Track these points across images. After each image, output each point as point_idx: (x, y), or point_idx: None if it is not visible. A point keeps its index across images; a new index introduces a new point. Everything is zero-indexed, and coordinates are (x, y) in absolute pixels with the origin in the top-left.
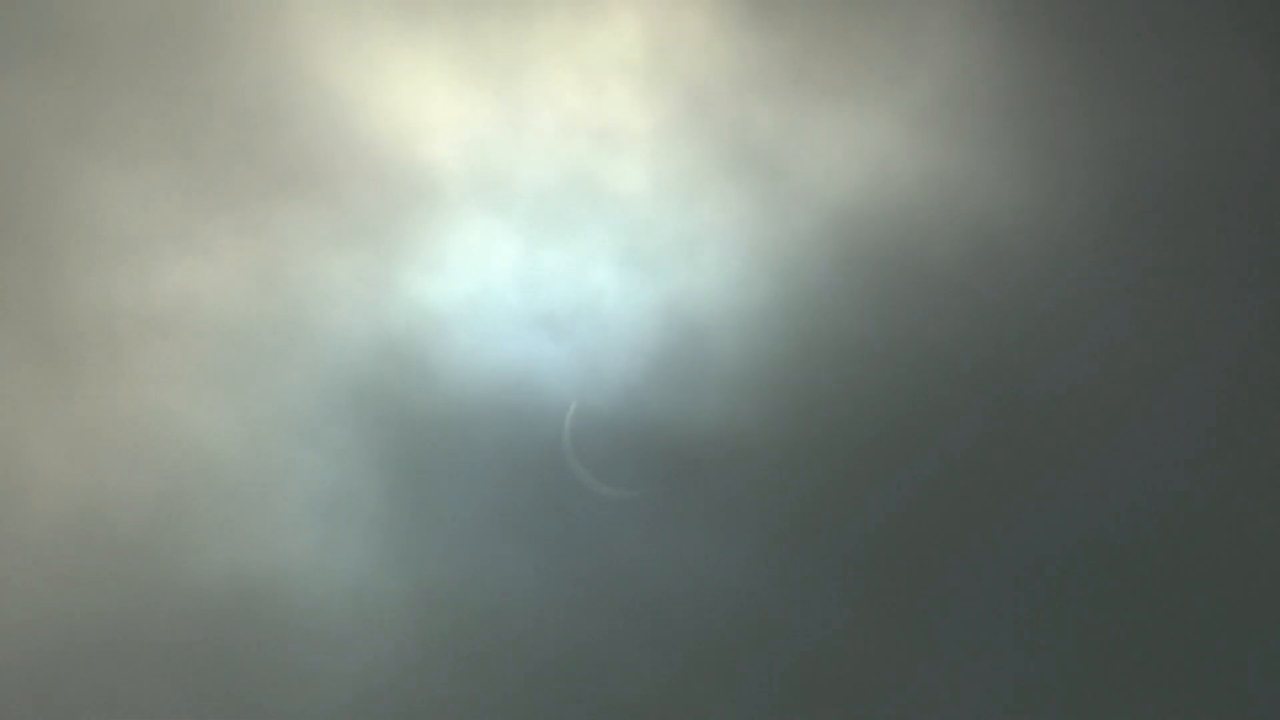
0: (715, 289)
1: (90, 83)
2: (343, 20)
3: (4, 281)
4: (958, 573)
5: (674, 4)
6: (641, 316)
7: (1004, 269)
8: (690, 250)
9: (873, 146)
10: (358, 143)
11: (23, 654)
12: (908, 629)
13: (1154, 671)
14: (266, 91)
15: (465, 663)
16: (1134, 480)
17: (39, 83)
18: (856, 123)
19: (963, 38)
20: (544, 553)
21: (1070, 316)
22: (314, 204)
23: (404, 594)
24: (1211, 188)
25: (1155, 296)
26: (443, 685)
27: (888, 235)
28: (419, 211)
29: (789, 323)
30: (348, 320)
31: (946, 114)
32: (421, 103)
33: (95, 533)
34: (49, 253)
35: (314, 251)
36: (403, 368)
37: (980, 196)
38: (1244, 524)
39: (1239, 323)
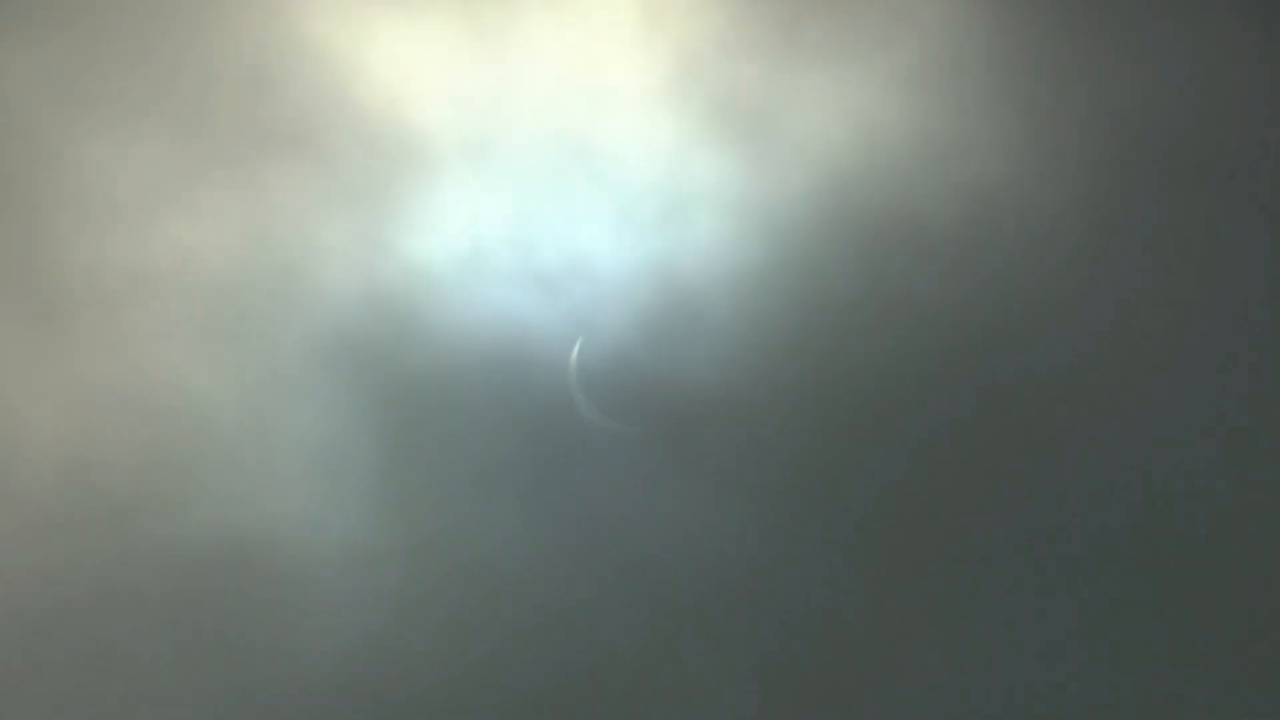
0: (707, 248)
1: (82, 44)
2: None
3: None
4: (951, 532)
5: None
6: (633, 275)
7: (996, 228)
8: (682, 210)
9: (863, 108)
10: (350, 103)
11: (14, 609)
12: (899, 587)
13: (1151, 632)
14: (259, 53)
15: (457, 617)
16: (1131, 437)
17: (31, 45)
18: (847, 84)
19: (950, 2)
20: (536, 508)
21: (1064, 275)
22: (306, 164)
23: (396, 548)
24: (1208, 152)
25: (1150, 257)
26: (435, 639)
27: (879, 195)
28: (411, 171)
29: (780, 281)
30: (341, 279)
31: (937, 76)
32: (412, 64)
33: (88, 489)
34: (41, 214)
35: (307, 212)
36: (395, 326)
37: (972, 157)
38: (1246, 490)
39: (1235, 287)
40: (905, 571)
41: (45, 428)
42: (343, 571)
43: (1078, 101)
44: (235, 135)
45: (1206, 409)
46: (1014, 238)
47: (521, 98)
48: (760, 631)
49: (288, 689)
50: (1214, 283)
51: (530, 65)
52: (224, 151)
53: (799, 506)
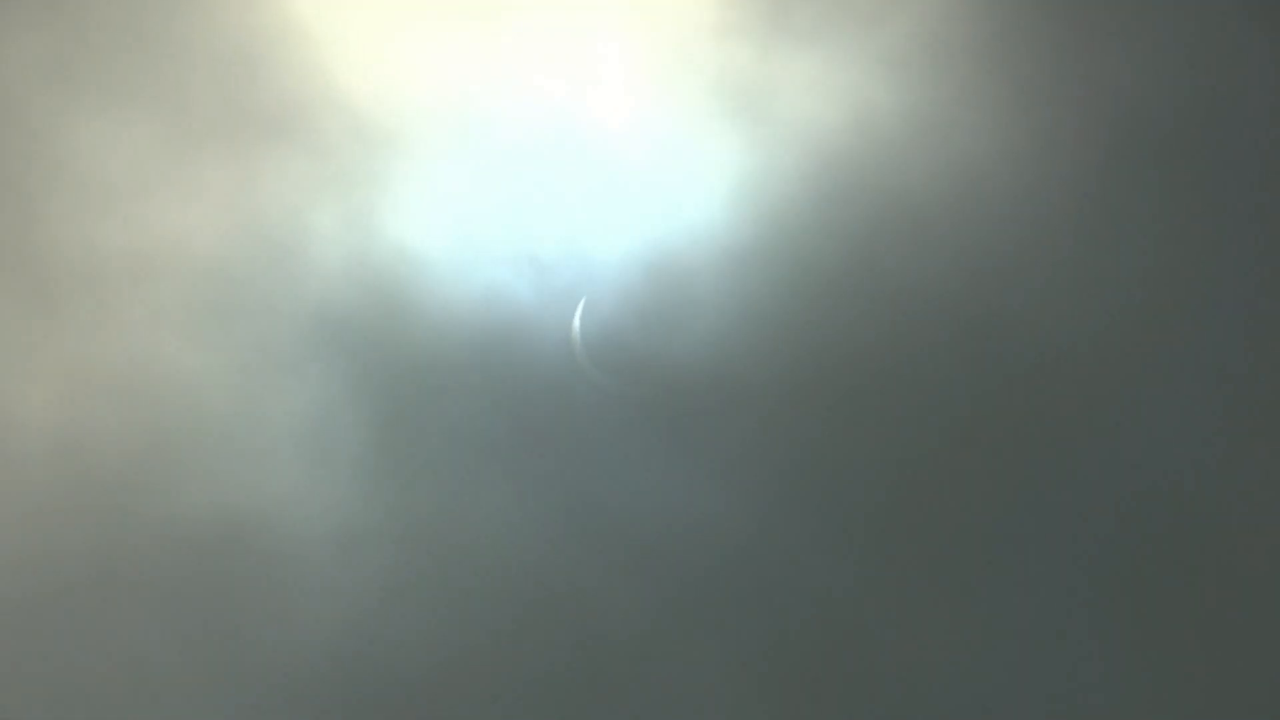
0: (700, 229)
1: (72, 29)
2: None
3: None
4: (949, 513)
5: None
6: (626, 257)
7: (989, 207)
8: (674, 191)
9: (854, 88)
10: (339, 87)
11: (6, 591)
12: (899, 569)
13: (1153, 620)
14: (247, 37)
15: (449, 599)
16: (1125, 416)
17: (21, 30)
18: (837, 65)
19: None
20: (529, 490)
21: (1057, 253)
22: (297, 148)
23: (389, 529)
24: (1203, 131)
25: (1144, 237)
26: (427, 620)
27: (871, 175)
28: (400, 155)
29: (774, 262)
30: (332, 262)
31: (928, 56)
32: (402, 47)
33: (80, 470)
34: (32, 198)
35: (298, 195)
36: (386, 308)
37: (964, 136)
38: (1239, 469)
39: (1231, 271)
40: (905, 553)
41: (36, 409)
42: (335, 552)
43: (1070, 80)
44: (225, 119)
45: (1204, 391)
46: (1007, 216)
47: (511, 80)
48: (760, 616)
49: (281, 669)
50: (1210, 265)
51: (519, 48)
52: (214, 135)
53: (796, 488)
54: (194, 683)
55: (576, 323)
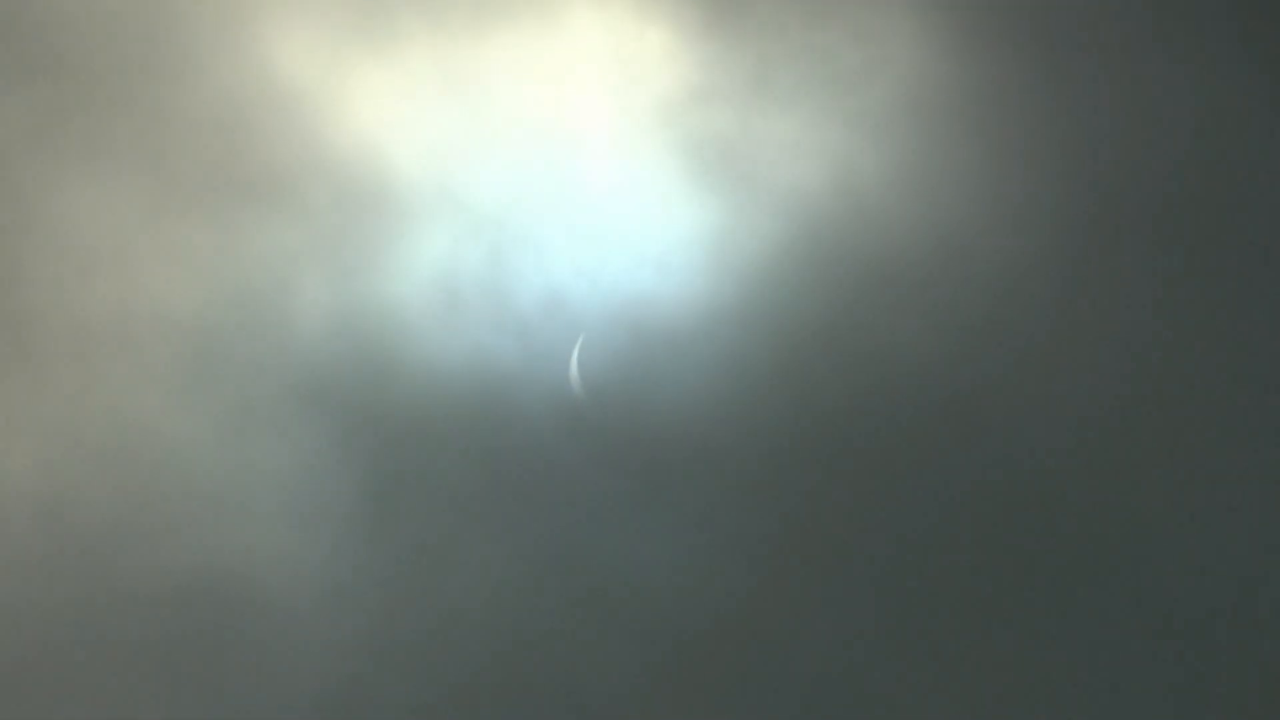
0: (683, 291)
1: (58, 93)
2: (309, 32)
3: None
4: (929, 568)
5: (637, 17)
6: (609, 318)
7: (971, 268)
8: (658, 253)
9: (834, 151)
10: (325, 152)
11: None
12: (880, 623)
13: (1141, 675)
14: (234, 101)
15: (435, 658)
16: (1105, 471)
17: (5, 94)
18: (817, 128)
19: (921, 44)
20: (514, 549)
21: (1038, 314)
22: (283, 212)
23: (373, 587)
24: (1181, 193)
25: (1123, 298)
26: (412, 680)
27: (853, 237)
28: (386, 219)
29: (756, 323)
30: (316, 324)
31: (908, 118)
32: (386, 112)
33: (62, 530)
34: (17, 261)
35: (282, 258)
36: (371, 370)
37: (945, 198)
38: (1218, 528)
39: (1206, 328)
40: (886, 612)
41: (19, 469)
42: (320, 612)
43: (1050, 141)
44: (209, 183)
45: (1181, 449)
46: (988, 279)
47: (496, 144)
48: (742, 669)
49: None
50: (1191, 327)
51: (504, 112)
52: (199, 199)
53: (777, 545)
54: None
55: (574, 363)
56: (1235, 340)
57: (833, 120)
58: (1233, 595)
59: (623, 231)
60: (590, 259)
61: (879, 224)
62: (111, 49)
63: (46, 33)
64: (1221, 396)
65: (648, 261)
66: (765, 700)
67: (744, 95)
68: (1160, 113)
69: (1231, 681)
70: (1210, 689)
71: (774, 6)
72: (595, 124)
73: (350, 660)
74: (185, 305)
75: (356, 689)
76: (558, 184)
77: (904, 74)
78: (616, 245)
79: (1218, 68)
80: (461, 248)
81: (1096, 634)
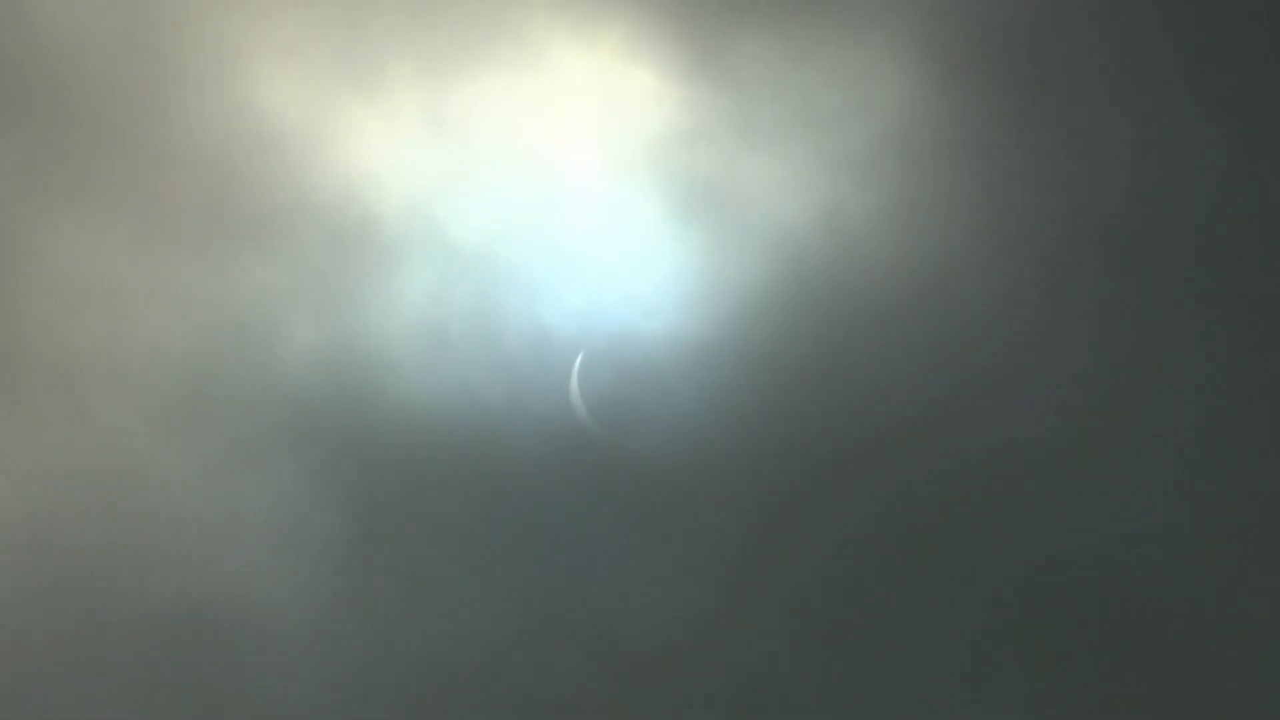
0: (669, 329)
1: (54, 135)
2: (297, 75)
3: None
4: (918, 603)
5: (622, 59)
6: (597, 354)
7: (953, 304)
8: (644, 291)
9: (818, 189)
10: (313, 192)
11: None
12: (870, 660)
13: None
14: (223, 142)
15: (419, 690)
16: (1087, 509)
17: (1, 136)
18: (801, 167)
19: (902, 84)
20: (499, 583)
21: (1021, 349)
22: (272, 252)
23: (360, 625)
24: (1160, 228)
25: (1109, 335)
26: (397, 715)
27: (838, 275)
28: (373, 258)
29: (742, 360)
30: (306, 363)
31: (889, 157)
32: (374, 153)
33: (52, 562)
34: (9, 299)
35: (271, 296)
36: (360, 408)
37: (926, 235)
38: (1198, 562)
39: (1189, 359)
40: (876, 644)
41: (10, 502)
42: (306, 643)
43: (1030, 179)
44: (201, 222)
45: (1160, 483)
46: (972, 312)
47: (482, 184)
48: (731, 707)
49: None
50: (1171, 355)
51: (491, 153)
52: (190, 238)
53: (765, 580)
54: None
55: (574, 382)
56: (1217, 369)
57: (816, 159)
58: (1213, 610)
59: (610, 270)
60: (577, 297)
61: (863, 261)
62: (103, 92)
63: (39, 76)
64: (1204, 423)
65: (635, 299)
66: None
67: (729, 135)
68: (1140, 148)
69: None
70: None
71: (757, 48)
72: (582, 164)
73: (336, 692)
74: (175, 342)
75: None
76: (545, 223)
77: (886, 113)
78: (603, 283)
79: (1198, 105)
80: (449, 286)
81: (1088, 658)
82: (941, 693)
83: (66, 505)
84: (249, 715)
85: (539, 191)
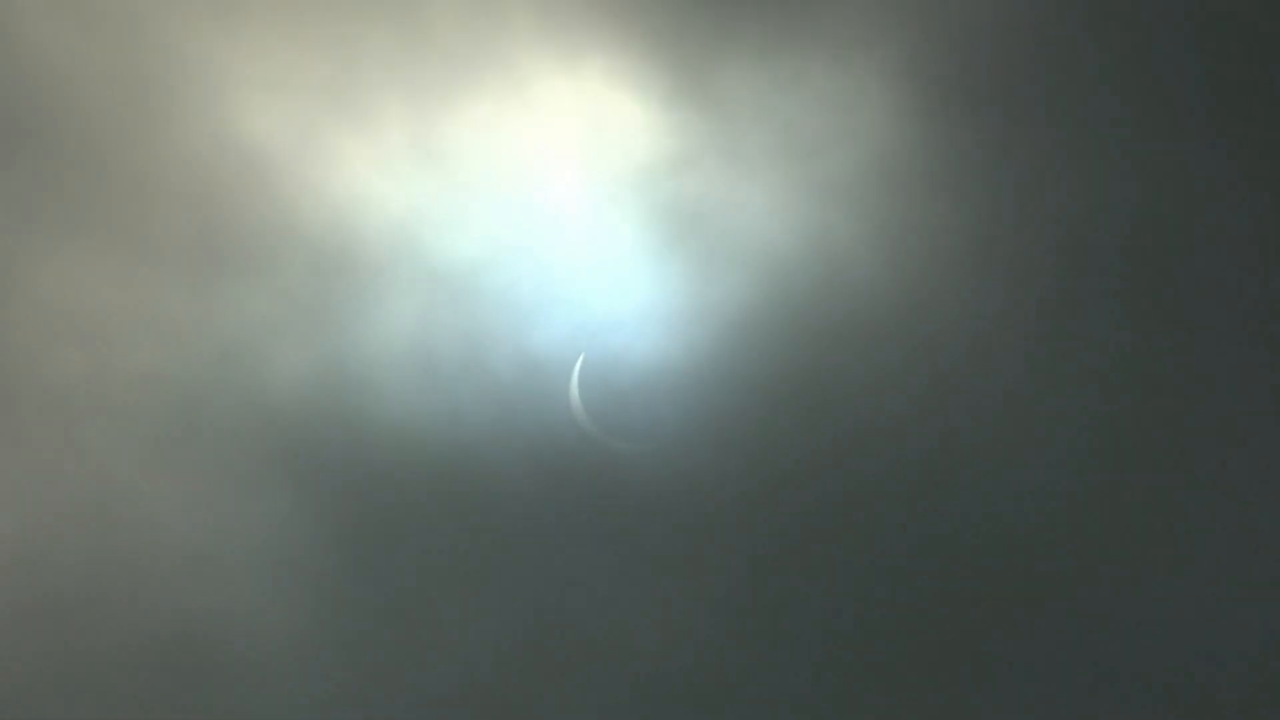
0: (656, 355)
1: (40, 165)
2: (284, 105)
3: None
4: (910, 627)
5: (608, 87)
6: (584, 379)
7: (939, 328)
8: (631, 318)
9: (804, 214)
10: (300, 221)
11: None
12: (862, 683)
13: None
14: (212, 173)
15: (407, 716)
16: (1072, 529)
17: None
18: (787, 192)
19: (888, 109)
20: (487, 608)
21: (1007, 372)
22: (259, 280)
23: (347, 651)
24: (1143, 253)
25: (1091, 357)
26: None
27: (825, 300)
28: (360, 285)
29: (731, 385)
30: (293, 391)
31: (874, 183)
32: (363, 182)
33: (40, 590)
34: (1, 331)
35: (259, 325)
36: (347, 435)
37: (913, 260)
38: (1186, 578)
39: (1174, 386)
40: (868, 665)
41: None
42: (293, 669)
43: (1016, 204)
44: (187, 251)
45: (1150, 506)
46: (958, 336)
47: (469, 212)
48: None
49: None
50: (1156, 381)
51: (478, 180)
52: (176, 267)
53: (754, 604)
54: None
55: (574, 387)
56: (1203, 396)
57: (802, 184)
58: (1200, 623)
59: (596, 295)
60: (564, 323)
61: (849, 285)
62: (91, 122)
63: (27, 106)
64: (1190, 450)
65: (621, 325)
66: None
67: (714, 161)
68: (1126, 175)
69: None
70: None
71: (743, 75)
72: (568, 191)
73: (324, 717)
74: (163, 371)
75: None
76: (531, 250)
77: (870, 139)
78: (590, 309)
79: (1183, 131)
80: (436, 313)
81: (1071, 688)
82: (936, 713)
83: (54, 533)
84: None
85: (525, 218)
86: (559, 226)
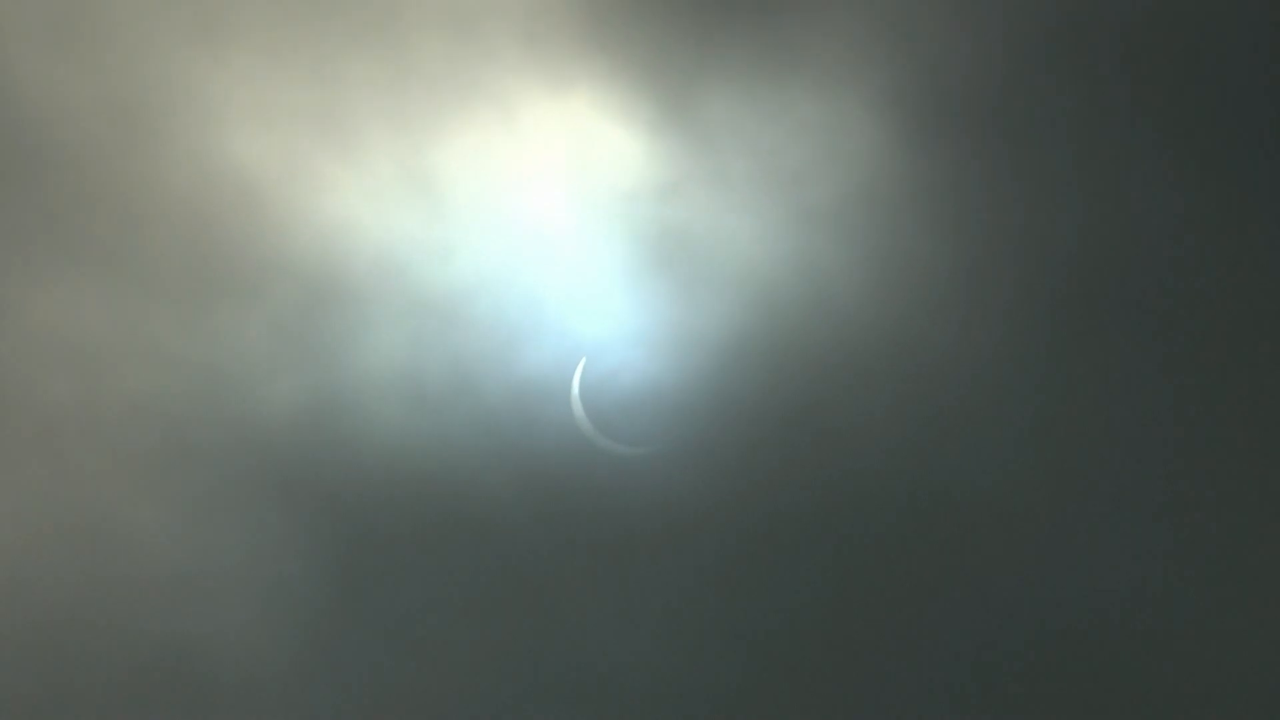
0: (645, 383)
1: (29, 194)
2: (273, 133)
3: None
4: (897, 654)
5: (595, 114)
6: (572, 407)
7: (929, 358)
8: (620, 346)
9: (792, 242)
10: (290, 249)
11: None
12: (837, 709)
13: None
14: (201, 201)
15: None
16: (1057, 561)
17: None
18: (771, 220)
19: (874, 136)
20: (479, 635)
21: (998, 401)
22: (249, 308)
23: (338, 679)
24: (1136, 281)
25: (1083, 390)
26: None
27: (814, 329)
28: (350, 313)
29: (719, 413)
30: (283, 418)
31: (862, 210)
32: (351, 211)
33: (30, 617)
34: None
35: (249, 353)
36: (338, 462)
37: (901, 288)
38: (1175, 615)
39: (1167, 414)
40: (853, 691)
41: None
42: (284, 697)
43: (1005, 231)
44: (177, 279)
45: (1144, 530)
46: (945, 363)
47: (457, 239)
48: None
49: None
50: (1149, 411)
51: (466, 209)
52: (166, 295)
53: (743, 630)
54: None
55: (576, 388)
56: (1198, 424)
57: (787, 211)
58: (1188, 659)
59: (584, 322)
60: (553, 352)
61: (836, 311)
62: (78, 150)
63: (17, 135)
64: (1187, 476)
65: (610, 354)
66: None
67: (700, 188)
68: (1107, 202)
69: None
70: None
71: (728, 104)
72: (555, 218)
73: None
74: (153, 397)
75: None
76: (519, 277)
77: (856, 166)
78: (579, 338)
79: (1176, 158)
80: (425, 340)
81: (1064, 709)
82: None
83: (44, 557)
84: None
85: (513, 245)
86: (547, 253)
